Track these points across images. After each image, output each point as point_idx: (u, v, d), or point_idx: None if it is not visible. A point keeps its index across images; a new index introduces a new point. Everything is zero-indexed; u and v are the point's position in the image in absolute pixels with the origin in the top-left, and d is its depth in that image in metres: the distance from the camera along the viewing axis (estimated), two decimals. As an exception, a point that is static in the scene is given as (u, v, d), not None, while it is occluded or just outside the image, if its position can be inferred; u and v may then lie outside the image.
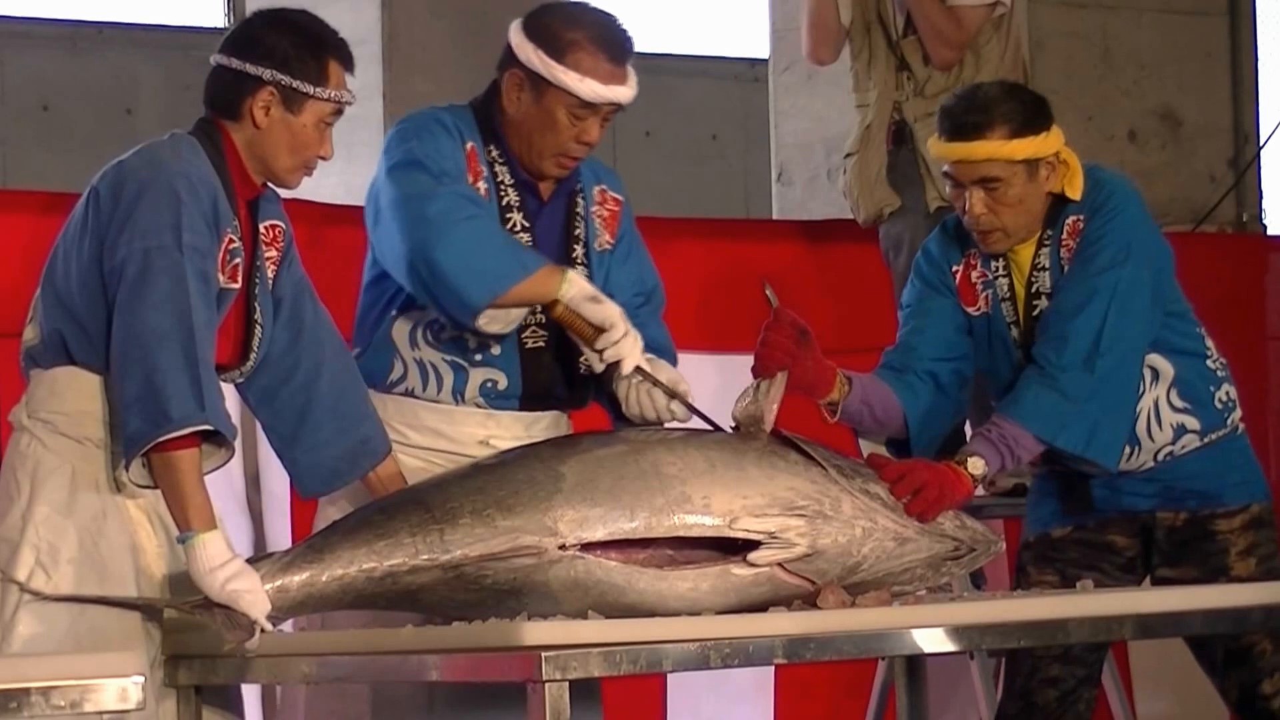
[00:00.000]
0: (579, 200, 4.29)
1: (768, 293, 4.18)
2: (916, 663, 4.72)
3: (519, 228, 4.21)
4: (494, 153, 4.21)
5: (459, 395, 4.21)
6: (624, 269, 4.32)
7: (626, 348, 4.06)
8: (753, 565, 3.86)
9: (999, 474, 4.37)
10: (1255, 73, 8.21)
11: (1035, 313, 4.45)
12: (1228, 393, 4.56)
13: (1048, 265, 4.45)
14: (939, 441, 4.49)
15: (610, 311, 4.06)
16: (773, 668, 5.76)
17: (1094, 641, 4.53)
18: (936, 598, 4.13)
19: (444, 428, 4.20)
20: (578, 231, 4.28)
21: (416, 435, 4.21)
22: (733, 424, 4.05)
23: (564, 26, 4.15)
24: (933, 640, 3.86)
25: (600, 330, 4.07)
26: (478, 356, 4.20)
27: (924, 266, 4.57)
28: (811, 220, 6.63)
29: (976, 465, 4.23)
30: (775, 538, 3.87)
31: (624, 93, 4.16)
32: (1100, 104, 7.68)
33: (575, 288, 4.06)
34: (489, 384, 4.21)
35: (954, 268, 4.52)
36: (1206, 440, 4.52)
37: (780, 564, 3.89)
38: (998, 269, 4.49)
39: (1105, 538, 4.58)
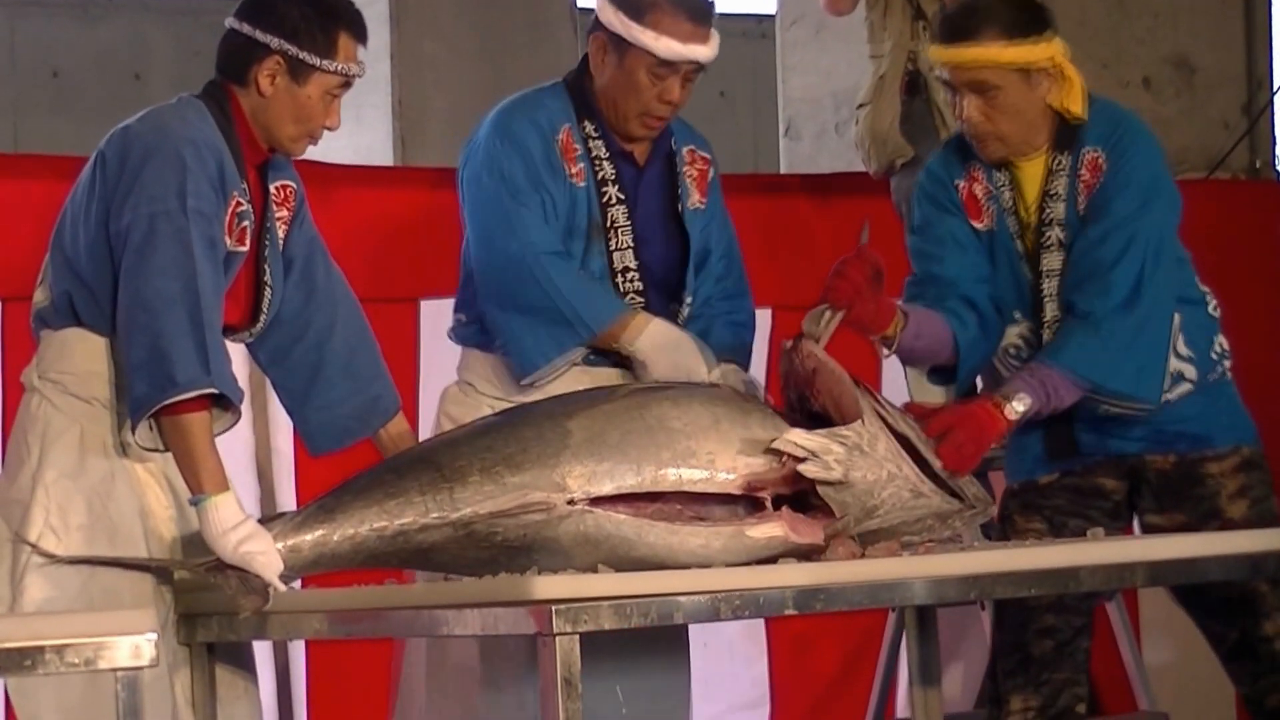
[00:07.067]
0: (675, 161, 4.41)
1: (863, 232, 4.22)
2: (927, 613, 4.73)
3: (614, 200, 4.32)
4: (589, 128, 4.33)
5: None
6: (713, 231, 4.44)
7: None
8: (763, 522, 3.87)
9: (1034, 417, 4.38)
10: (1269, 19, 8.16)
11: (1044, 239, 4.45)
12: (1221, 343, 4.57)
13: (1063, 194, 4.44)
14: (980, 369, 4.50)
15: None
16: (763, 622, 5.80)
17: (1105, 589, 4.53)
18: (946, 547, 4.13)
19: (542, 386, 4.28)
20: (679, 191, 4.39)
21: (518, 393, 4.29)
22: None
23: None
24: (944, 590, 3.87)
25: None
26: None
27: (927, 186, 4.56)
28: (821, 174, 6.63)
29: (1023, 402, 4.25)
30: (817, 456, 3.88)
31: (703, 51, 4.26)
32: (1115, 52, 7.64)
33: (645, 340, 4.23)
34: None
35: (957, 182, 4.51)
36: (1197, 387, 4.51)
37: (815, 485, 3.88)
38: (1002, 182, 4.49)
39: (1094, 482, 4.56)
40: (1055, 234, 4.44)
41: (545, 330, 4.24)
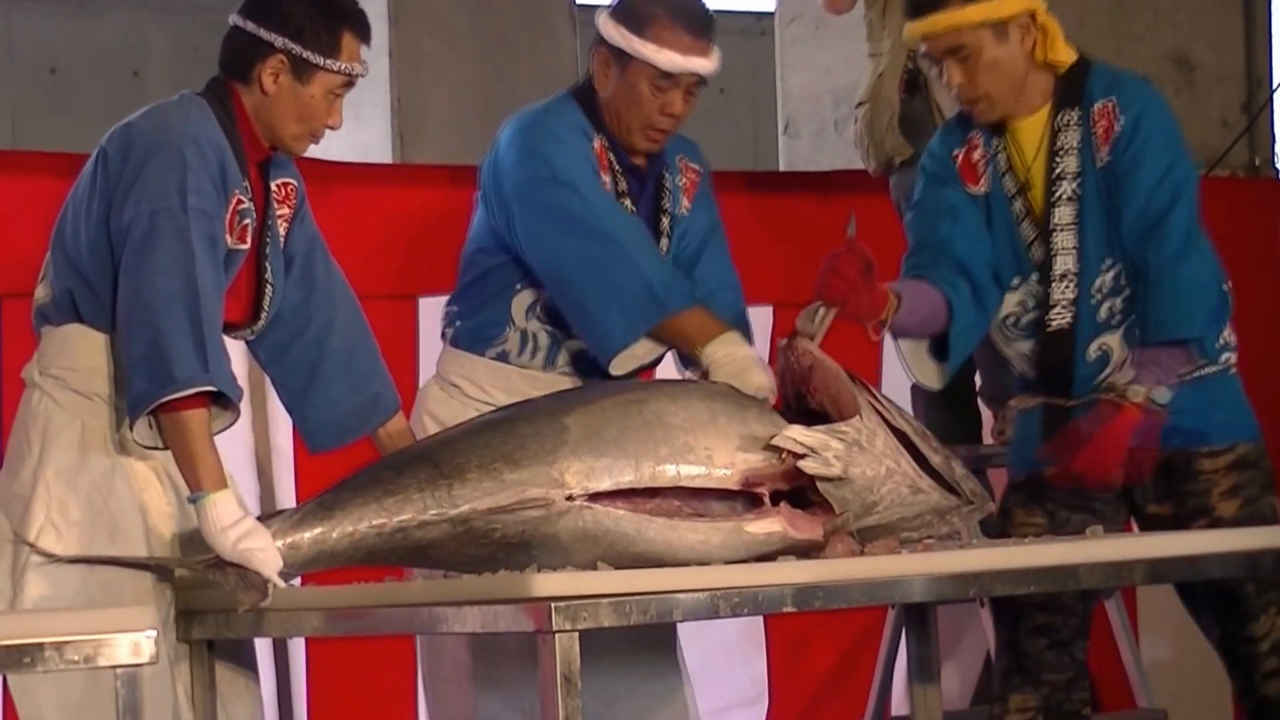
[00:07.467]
0: (665, 174, 4.46)
1: (850, 226, 4.25)
2: (925, 611, 4.73)
3: (629, 211, 4.37)
4: (604, 142, 4.37)
5: (551, 363, 4.38)
6: (692, 221, 4.47)
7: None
8: (761, 518, 3.87)
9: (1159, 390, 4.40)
10: (1269, 17, 8.17)
11: (1055, 195, 4.46)
12: (1226, 336, 4.56)
13: (1076, 146, 4.46)
14: (975, 337, 4.51)
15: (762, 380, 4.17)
16: (761, 619, 5.80)
17: (1104, 587, 4.52)
18: (946, 545, 4.14)
19: (533, 392, 4.27)
20: (665, 203, 4.44)
21: (504, 397, 4.30)
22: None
23: (645, 2, 4.31)
24: (943, 587, 3.87)
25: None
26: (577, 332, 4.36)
27: (928, 164, 4.60)
28: (820, 171, 6.63)
29: (1143, 386, 4.32)
30: (816, 453, 3.89)
31: (703, 64, 4.31)
32: (1114, 50, 7.64)
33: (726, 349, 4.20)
34: (581, 353, 4.35)
35: (956, 152, 4.54)
36: (1195, 375, 4.50)
37: (813, 481, 3.89)
38: (998, 145, 4.51)
39: None
40: (1067, 188, 4.46)
41: (633, 307, 4.22)
